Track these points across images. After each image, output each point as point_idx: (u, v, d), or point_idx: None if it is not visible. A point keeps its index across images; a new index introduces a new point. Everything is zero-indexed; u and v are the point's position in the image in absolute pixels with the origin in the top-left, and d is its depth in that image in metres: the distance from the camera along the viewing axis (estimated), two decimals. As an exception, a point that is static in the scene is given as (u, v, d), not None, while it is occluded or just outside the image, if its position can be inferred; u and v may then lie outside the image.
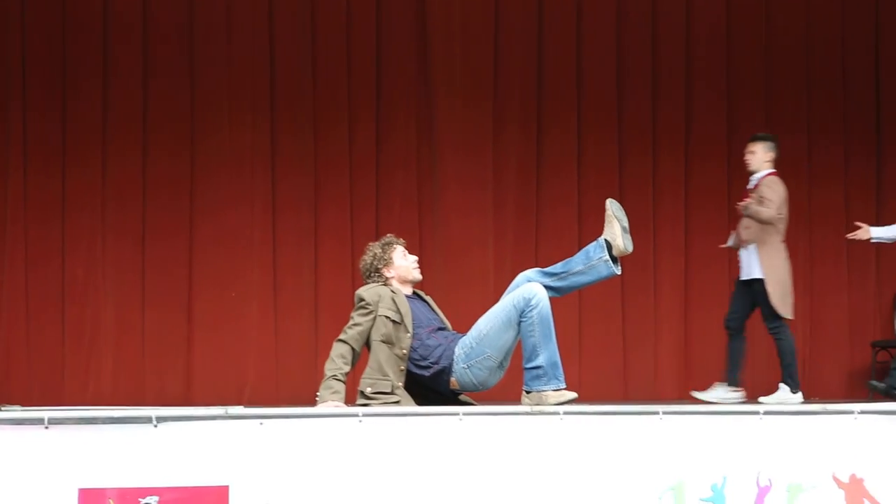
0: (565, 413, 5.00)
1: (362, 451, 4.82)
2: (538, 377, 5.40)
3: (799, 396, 7.42)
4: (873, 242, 7.86)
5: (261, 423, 4.79)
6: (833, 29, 9.40)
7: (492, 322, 5.48)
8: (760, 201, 7.45)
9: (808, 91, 9.39)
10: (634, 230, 5.68)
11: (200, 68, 8.77)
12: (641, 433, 5.02)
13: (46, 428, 4.64)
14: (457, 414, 4.94)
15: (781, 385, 7.46)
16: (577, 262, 5.59)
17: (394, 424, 4.89)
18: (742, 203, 7.41)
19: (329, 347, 5.51)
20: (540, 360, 5.39)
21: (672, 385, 8.38)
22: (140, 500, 4.63)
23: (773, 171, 7.62)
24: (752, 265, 7.49)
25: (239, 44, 8.81)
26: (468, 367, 5.48)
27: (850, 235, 7.80)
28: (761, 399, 7.33)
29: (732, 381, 7.51)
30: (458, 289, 8.50)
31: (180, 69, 8.75)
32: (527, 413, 5.03)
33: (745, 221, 7.56)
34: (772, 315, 7.44)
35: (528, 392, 5.44)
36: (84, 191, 8.62)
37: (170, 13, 8.73)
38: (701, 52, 9.25)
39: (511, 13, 9.05)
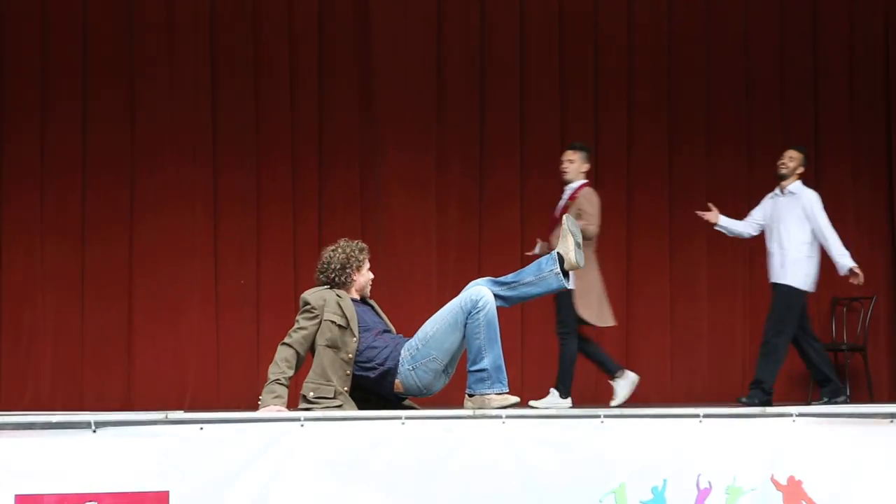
0: (507, 417, 5.02)
1: (304, 455, 4.80)
2: (482, 380, 5.41)
3: (568, 402, 7.54)
4: (716, 229, 7.99)
5: (201, 428, 4.75)
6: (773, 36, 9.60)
7: (438, 324, 5.48)
8: (579, 215, 7.45)
9: (747, 102, 9.54)
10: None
11: (140, 68, 8.74)
12: (583, 437, 5.05)
13: (-18, 433, 4.59)
14: (399, 418, 4.93)
15: (553, 390, 7.61)
16: (528, 272, 5.62)
17: (336, 428, 4.88)
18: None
19: (271, 351, 5.48)
20: (484, 364, 5.40)
21: (613, 389, 8.43)
22: (78, 506, 4.59)
23: (587, 181, 7.72)
24: None
25: (181, 64, 8.81)
26: (413, 368, 5.47)
27: (700, 213, 7.91)
28: (531, 403, 7.42)
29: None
30: (399, 294, 8.50)
31: (120, 70, 8.71)
32: (469, 416, 5.04)
33: (558, 231, 7.60)
34: (566, 321, 7.58)
35: (471, 395, 5.44)
36: (22, 191, 8.55)
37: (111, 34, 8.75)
38: (643, 85, 9.44)
39: (454, 49, 9.21)
